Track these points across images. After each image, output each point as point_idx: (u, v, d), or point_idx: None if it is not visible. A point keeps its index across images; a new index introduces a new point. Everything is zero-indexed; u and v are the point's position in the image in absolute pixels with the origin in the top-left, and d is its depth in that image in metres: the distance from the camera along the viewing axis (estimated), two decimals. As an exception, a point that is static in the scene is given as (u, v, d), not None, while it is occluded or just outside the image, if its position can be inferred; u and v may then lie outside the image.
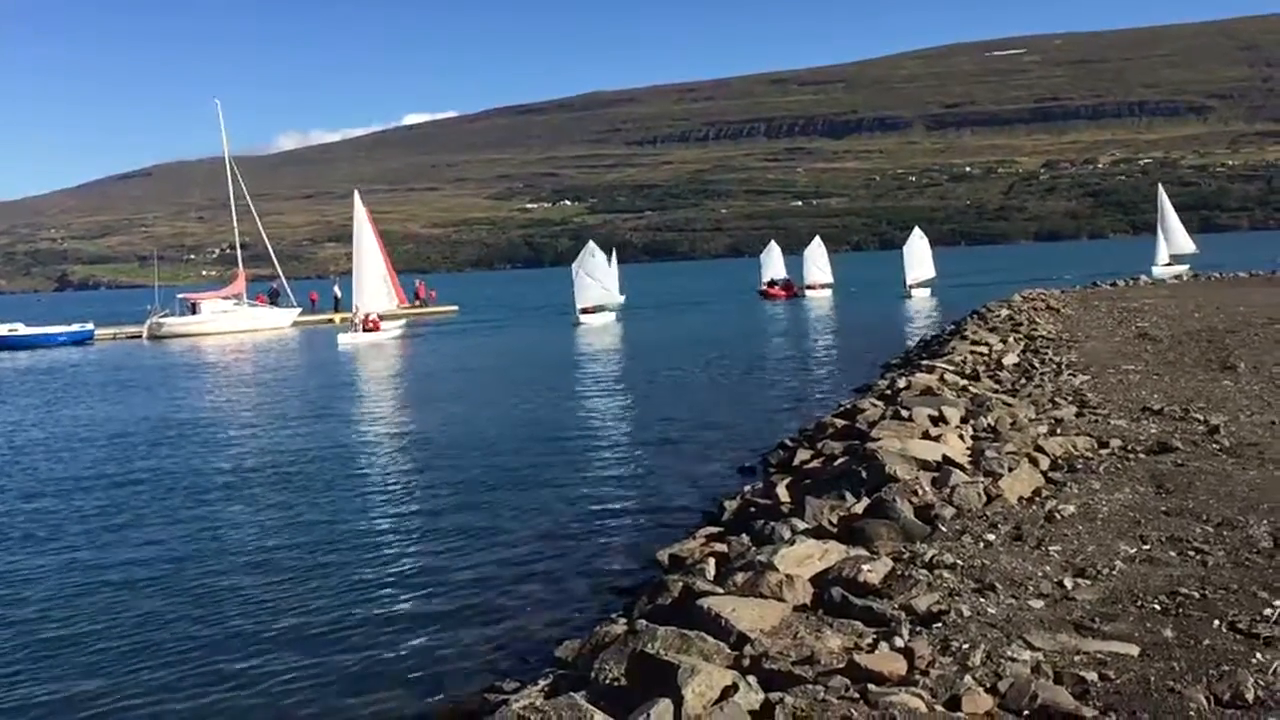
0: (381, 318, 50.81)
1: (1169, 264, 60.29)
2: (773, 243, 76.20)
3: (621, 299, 73.88)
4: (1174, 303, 32.09)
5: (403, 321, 53.67)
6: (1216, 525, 8.19)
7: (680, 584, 8.14)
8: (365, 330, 48.70)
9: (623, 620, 8.17)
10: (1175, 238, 62.64)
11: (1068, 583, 7.02)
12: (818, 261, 72.44)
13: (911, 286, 63.95)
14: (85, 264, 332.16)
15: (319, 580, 11.47)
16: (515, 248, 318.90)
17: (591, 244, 55.83)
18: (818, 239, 75.30)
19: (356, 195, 52.61)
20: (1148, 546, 7.76)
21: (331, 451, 19.59)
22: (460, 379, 31.55)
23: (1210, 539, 7.85)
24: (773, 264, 73.46)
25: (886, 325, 44.26)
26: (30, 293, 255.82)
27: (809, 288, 71.30)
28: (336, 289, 73.07)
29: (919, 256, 65.41)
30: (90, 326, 61.40)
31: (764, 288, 72.62)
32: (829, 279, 72.07)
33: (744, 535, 9.91)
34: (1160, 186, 70.18)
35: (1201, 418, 12.44)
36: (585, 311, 53.35)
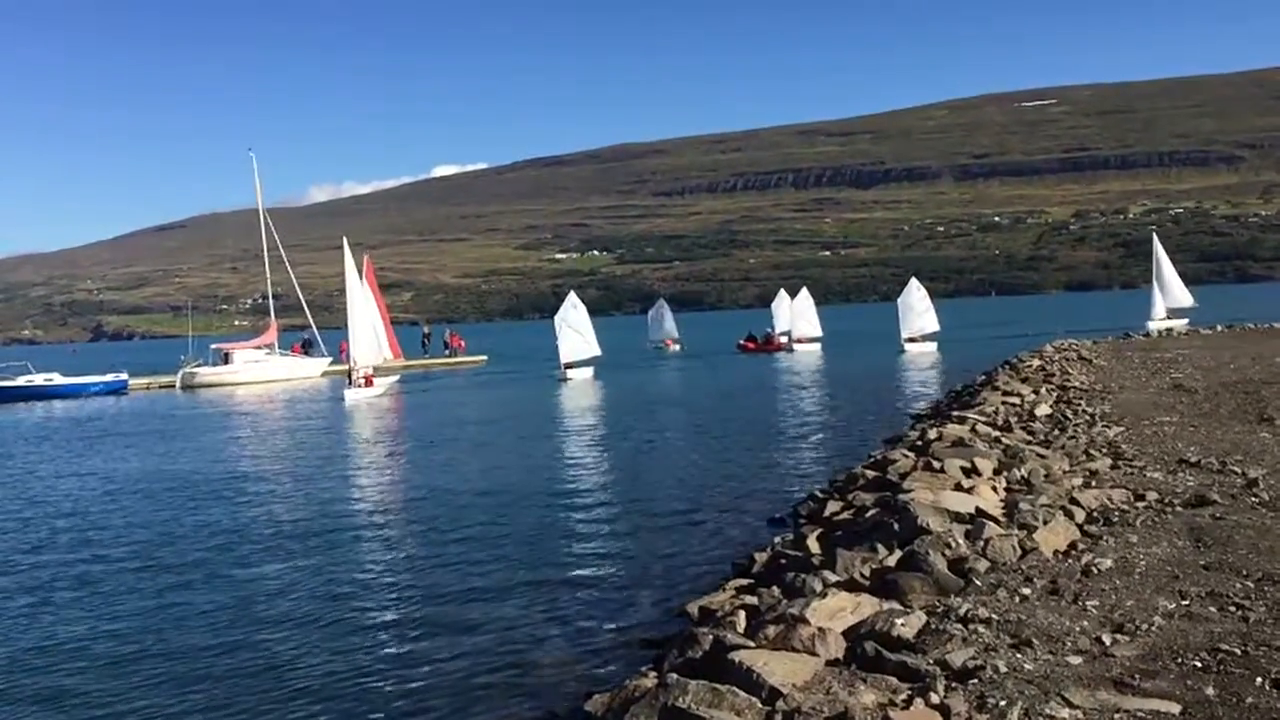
0: (376, 370, 48.50)
1: (1166, 318, 58.79)
2: (782, 292, 74.09)
3: (678, 347, 74.60)
4: (1208, 353, 31.80)
5: (397, 377, 51.70)
6: (1257, 580, 8.05)
7: (710, 637, 8.06)
8: (358, 385, 46.24)
9: (653, 673, 8.09)
10: (1172, 291, 61.41)
11: (1106, 638, 6.90)
12: (805, 314, 69.45)
13: (907, 341, 59.85)
14: (120, 314, 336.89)
15: (345, 632, 11.44)
16: (544, 297, 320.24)
17: (573, 295, 53.23)
18: (804, 290, 72.04)
19: (345, 244, 49.62)
20: (1187, 602, 7.63)
21: (355, 506, 19.62)
22: (480, 432, 31.28)
23: (1251, 594, 7.71)
24: (783, 315, 71.65)
25: (870, 383, 41.53)
26: (66, 343, 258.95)
27: (798, 341, 68.23)
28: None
29: (918, 309, 61.28)
30: (124, 376, 62.05)
31: (741, 341, 71.40)
32: (818, 332, 68.62)
33: (775, 587, 9.80)
34: (1155, 238, 68.43)
35: (1239, 470, 12.28)
36: (570, 366, 50.68)
